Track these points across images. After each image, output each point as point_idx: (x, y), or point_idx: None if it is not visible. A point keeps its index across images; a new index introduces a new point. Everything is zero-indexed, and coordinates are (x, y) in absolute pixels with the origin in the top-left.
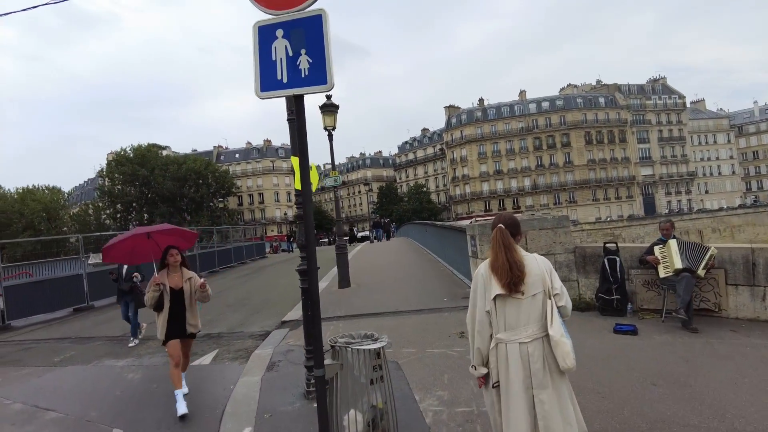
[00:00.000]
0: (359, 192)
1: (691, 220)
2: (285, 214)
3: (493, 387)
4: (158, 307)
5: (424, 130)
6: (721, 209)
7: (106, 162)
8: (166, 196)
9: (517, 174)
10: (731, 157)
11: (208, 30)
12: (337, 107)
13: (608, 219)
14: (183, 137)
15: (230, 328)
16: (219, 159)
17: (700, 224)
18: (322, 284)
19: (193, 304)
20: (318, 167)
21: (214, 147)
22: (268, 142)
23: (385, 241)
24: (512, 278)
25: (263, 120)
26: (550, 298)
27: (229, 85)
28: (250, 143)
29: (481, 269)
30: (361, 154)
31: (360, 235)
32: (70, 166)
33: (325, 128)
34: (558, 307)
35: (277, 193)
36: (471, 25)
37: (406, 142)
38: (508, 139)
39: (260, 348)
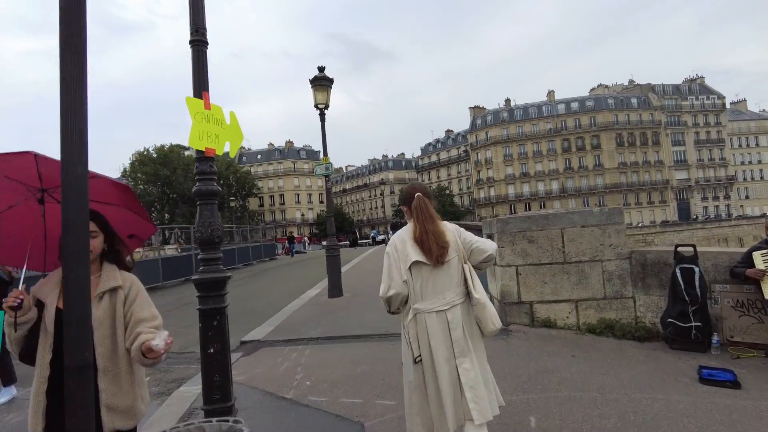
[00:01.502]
0: (380, 195)
1: (730, 227)
2: (302, 215)
3: (415, 362)
4: (29, 355)
5: (448, 131)
6: (763, 215)
7: (129, 162)
8: (187, 196)
9: (545, 177)
10: None
11: (239, 36)
12: (330, 81)
13: (640, 225)
14: None
15: (183, 346)
16: (241, 160)
17: (740, 231)
18: (313, 291)
19: (128, 363)
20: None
21: None
22: (290, 143)
23: None
24: (439, 250)
25: (287, 123)
26: (465, 263)
27: (256, 88)
28: (272, 144)
29: (396, 241)
30: (383, 156)
31: (380, 237)
32: (103, 168)
33: (317, 106)
34: (485, 257)
35: (298, 195)
36: (499, 28)
37: (430, 144)
38: (535, 140)
39: (189, 383)
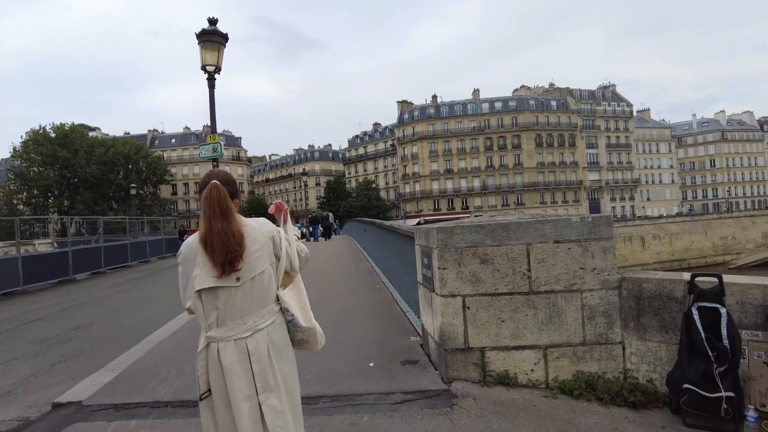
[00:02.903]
0: (305, 186)
1: (634, 227)
2: None
3: (200, 399)
4: None
5: (376, 124)
6: (661, 216)
7: (21, 141)
8: (90, 182)
9: (467, 174)
10: (671, 167)
11: (157, 11)
12: (224, 38)
13: None
14: (127, 122)
15: None
16: (153, 144)
17: (642, 230)
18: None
19: None
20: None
21: (149, 131)
22: (208, 127)
23: (324, 242)
24: (228, 256)
25: (207, 107)
26: (287, 283)
27: (175, 69)
28: (189, 128)
29: (183, 249)
30: (309, 146)
31: (302, 231)
32: None
33: (204, 68)
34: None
35: None
36: (428, 27)
37: (357, 136)
38: (460, 138)
39: None
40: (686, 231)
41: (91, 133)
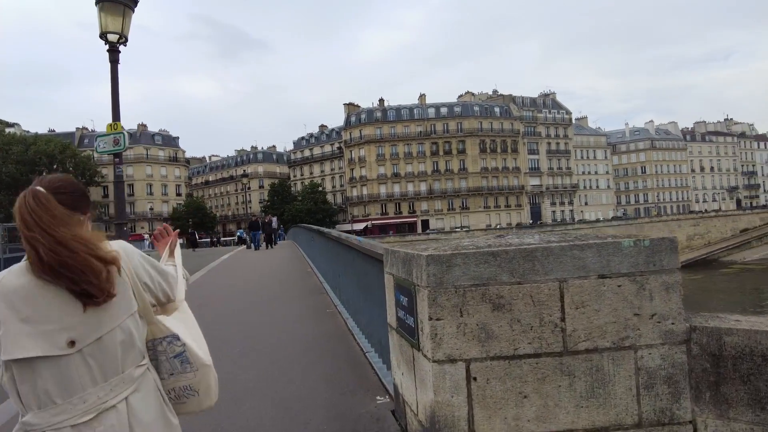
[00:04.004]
0: (249, 189)
1: (573, 230)
2: (152, 208)
3: None
4: None
5: (322, 126)
6: (597, 220)
7: None
8: (7, 182)
9: (414, 178)
10: (607, 173)
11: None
12: (133, 0)
13: (498, 226)
14: (54, 120)
15: None
16: (82, 143)
17: (579, 234)
18: None
19: None
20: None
21: (77, 128)
22: (143, 126)
23: (265, 250)
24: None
25: (143, 107)
26: (161, 314)
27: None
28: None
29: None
30: (252, 147)
31: (236, 237)
32: None
33: (104, 36)
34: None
35: (151, 185)
36: (375, 33)
37: (303, 138)
38: (406, 142)
39: None
40: (620, 234)
41: (8, 130)
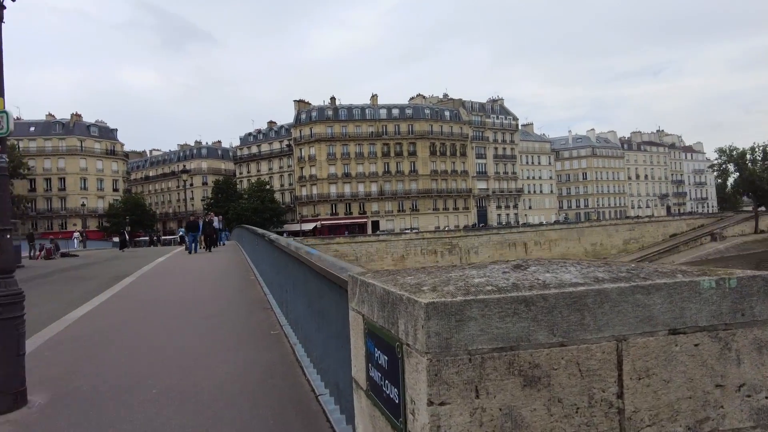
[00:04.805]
0: (191, 185)
1: (518, 233)
2: (83, 204)
3: None
4: None
5: (271, 123)
6: (541, 224)
7: None
8: None
9: (365, 179)
10: (550, 178)
11: None
12: None
13: (446, 228)
14: None
15: None
16: None
17: (524, 237)
18: None
19: None
20: None
21: None
22: (77, 116)
23: (204, 254)
24: None
25: (76, 93)
26: None
27: (43, 50)
28: (53, 116)
29: None
30: (196, 142)
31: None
32: None
33: None
34: None
35: (85, 179)
36: (327, 32)
37: (250, 134)
38: (358, 142)
39: None
40: (563, 238)
41: None
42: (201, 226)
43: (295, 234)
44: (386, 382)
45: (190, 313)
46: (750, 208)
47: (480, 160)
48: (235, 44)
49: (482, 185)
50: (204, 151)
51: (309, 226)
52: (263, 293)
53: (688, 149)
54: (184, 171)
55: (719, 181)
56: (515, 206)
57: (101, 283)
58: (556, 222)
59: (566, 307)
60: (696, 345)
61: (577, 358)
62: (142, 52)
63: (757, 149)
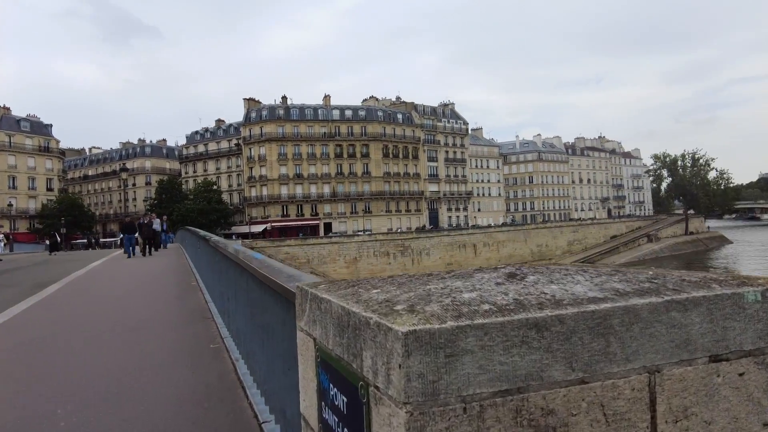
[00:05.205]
0: (133, 185)
1: (468, 235)
2: (11, 204)
3: None
4: None
5: (219, 121)
6: (489, 226)
7: None
8: None
9: (318, 180)
10: (499, 182)
11: None
12: None
13: (399, 230)
14: None
15: None
16: None
17: (474, 239)
18: None
19: None
20: None
21: None
22: (6, 110)
23: (142, 259)
24: None
25: (5, 85)
26: None
27: None
28: None
29: None
30: (140, 140)
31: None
32: None
33: None
34: None
35: (14, 178)
36: (279, 31)
37: (197, 132)
38: (310, 142)
39: None
40: (511, 239)
41: None
42: (138, 228)
43: (244, 236)
44: (345, 431)
45: (118, 325)
46: (681, 211)
47: (432, 163)
48: (184, 41)
49: (434, 188)
50: (148, 150)
51: (259, 228)
52: (204, 300)
53: (627, 155)
54: (124, 169)
55: (654, 185)
56: (465, 209)
57: (21, 291)
58: (504, 224)
59: (587, 332)
60: (741, 374)
61: (602, 399)
62: (82, 45)
63: (687, 156)
